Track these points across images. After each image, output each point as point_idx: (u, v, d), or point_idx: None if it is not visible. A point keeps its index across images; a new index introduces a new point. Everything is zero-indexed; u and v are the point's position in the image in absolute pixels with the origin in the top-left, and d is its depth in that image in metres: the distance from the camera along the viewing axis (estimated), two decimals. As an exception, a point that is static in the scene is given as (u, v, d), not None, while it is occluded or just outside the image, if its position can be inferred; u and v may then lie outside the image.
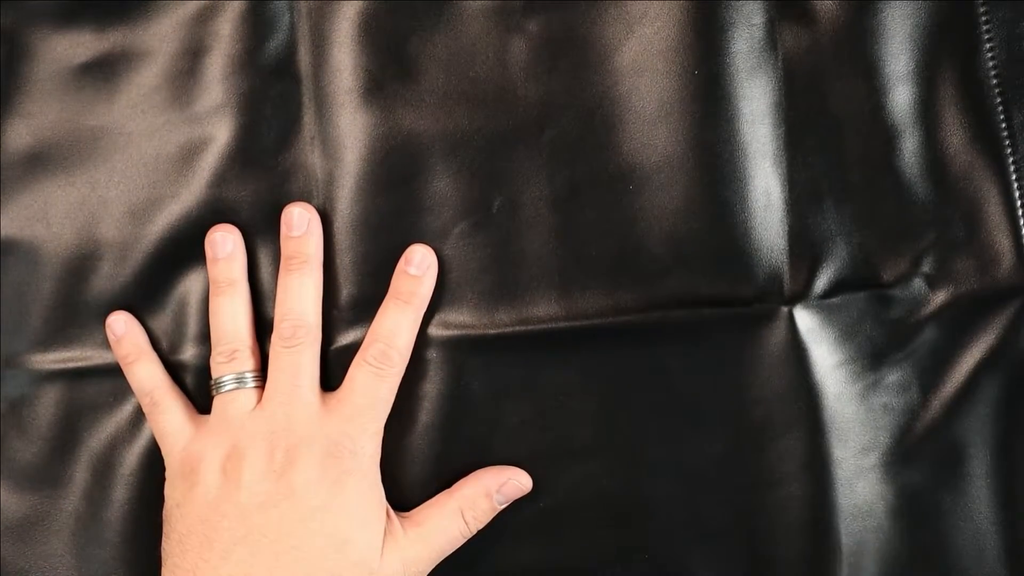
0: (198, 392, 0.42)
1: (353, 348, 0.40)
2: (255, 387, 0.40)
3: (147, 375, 0.41)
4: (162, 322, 0.42)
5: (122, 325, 0.41)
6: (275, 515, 0.37)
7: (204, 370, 0.42)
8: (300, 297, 0.40)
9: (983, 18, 0.40)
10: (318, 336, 0.40)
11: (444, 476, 0.41)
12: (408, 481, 0.41)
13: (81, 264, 0.43)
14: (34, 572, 0.42)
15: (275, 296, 0.40)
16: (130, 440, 0.42)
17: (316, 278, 0.40)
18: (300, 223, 0.40)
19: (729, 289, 0.40)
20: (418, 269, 0.40)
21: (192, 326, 0.42)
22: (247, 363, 0.40)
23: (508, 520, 0.40)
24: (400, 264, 0.40)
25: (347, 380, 0.40)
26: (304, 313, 0.40)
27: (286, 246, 0.40)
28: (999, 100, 0.40)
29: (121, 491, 0.42)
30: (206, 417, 0.40)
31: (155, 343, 0.42)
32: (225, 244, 0.41)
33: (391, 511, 0.39)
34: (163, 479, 0.40)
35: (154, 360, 0.41)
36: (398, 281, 0.40)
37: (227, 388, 0.40)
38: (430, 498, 0.40)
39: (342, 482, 0.38)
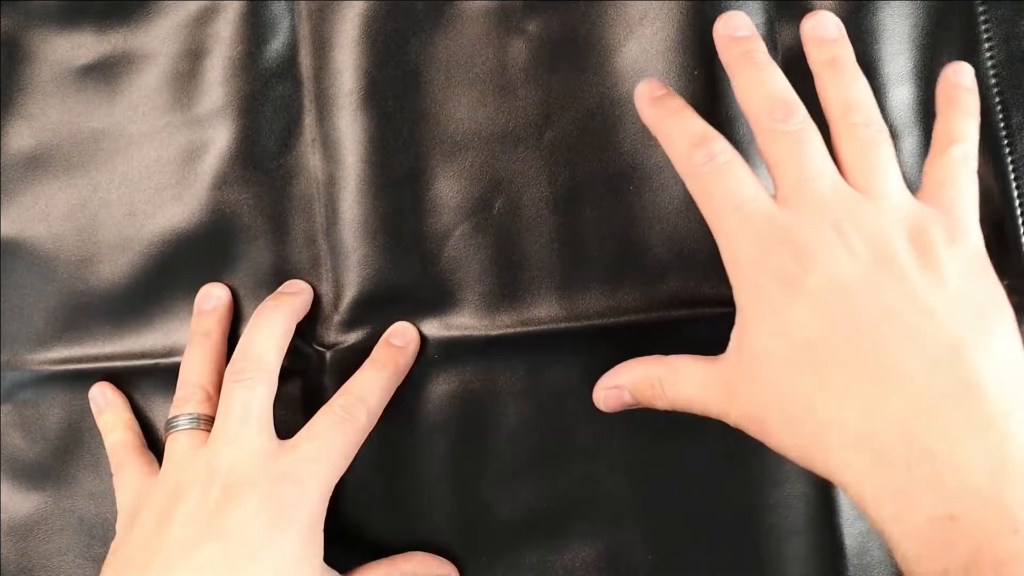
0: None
1: (353, 349, 0.41)
2: (206, 429, 0.38)
3: (121, 442, 0.41)
4: (161, 324, 0.42)
5: (104, 399, 0.42)
6: (202, 558, 0.34)
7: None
8: (264, 336, 0.38)
9: (982, 17, 0.40)
10: (272, 377, 0.38)
11: (445, 478, 0.41)
12: (409, 482, 0.41)
13: (82, 265, 0.43)
14: (36, 572, 0.42)
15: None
16: (132, 441, 0.42)
17: (286, 322, 0.39)
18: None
19: (728, 289, 0.40)
20: (401, 340, 0.40)
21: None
22: (203, 405, 0.38)
23: (509, 520, 0.41)
24: (383, 337, 0.40)
25: (307, 425, 0.38)
26: (263, 351, 0.38)
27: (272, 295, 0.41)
28: (998, 100, 0.40)
29: (124, 492, 0.42)
30: None
31: (153, 348, 0.42)
32: (209, 299, 0.41)
33: (327, 569, 0.37)
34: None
35: (130, 428, 0.41)
36: (378, 349, 0.40)
37: (178, 427, 0.38)
38: (431, 498, 0.41)
39: (280, 529, 0.34)
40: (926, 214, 0.32)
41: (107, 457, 0.41)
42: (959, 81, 0.36)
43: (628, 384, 0.36)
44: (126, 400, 0.42)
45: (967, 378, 0.29)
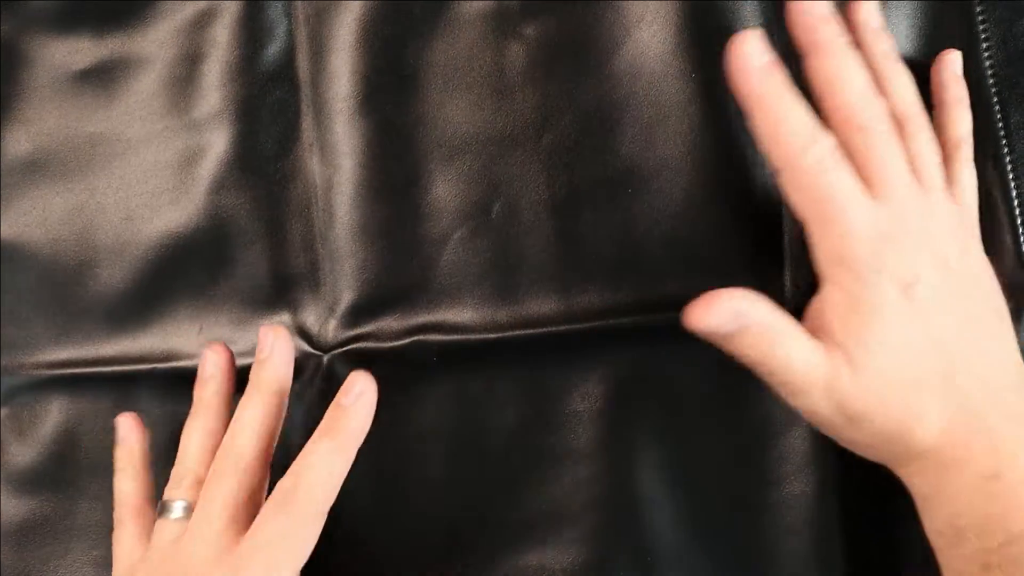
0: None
1: (351, 355, 0.41)
2: (188, 517, 0.37)
3: (127, 491, 0.40)
4: (159, 328, 0.42)
5: (126, 430, 0.40)
6: None
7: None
8: (247, 428, 0.37)
9: (980, 17, 0.40)
10: (253, 471, 0.37)
11: (444, 480, 0.41)
12: (407, 485, 0.41)
13: (80, 269, 0.43)
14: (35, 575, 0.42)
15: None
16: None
17: (269, 412, 0.38)
18: (265, 344, 0.38)
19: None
20: (349, 399, 0.37)
21: (188, 334, 0.42)
22: (191, 492, 0.37)
23: (509, 521, 0.41)
24: (337, 396, 0.37)
25: (255, 519, 0.36)
26: (242, 449, 0.37)
27: (254, 371, 0.38)
28: (996, 100, 0.40)
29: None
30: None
31: (151, 352, 0.42)
32: (206, 366, 0.39)
33: None
34: (162, 481, 0.41)
35: (138, 476, 0.40)
36: (328, 412, 0.37)
37: (167, 515, 0.37)
38: (430, 501, 0.41)
39: None
40: (958, 216, 0.35)
41: (106, 462, 0.41)
42: (956, 71, 0.38)
43: (756, 322, 0.33)
44: (144, 438, 0.41)
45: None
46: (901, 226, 0.33)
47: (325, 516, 0.35)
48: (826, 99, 0.34)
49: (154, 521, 0.38)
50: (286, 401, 0.38)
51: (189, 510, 0.37)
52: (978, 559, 0.32)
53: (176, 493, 0.37)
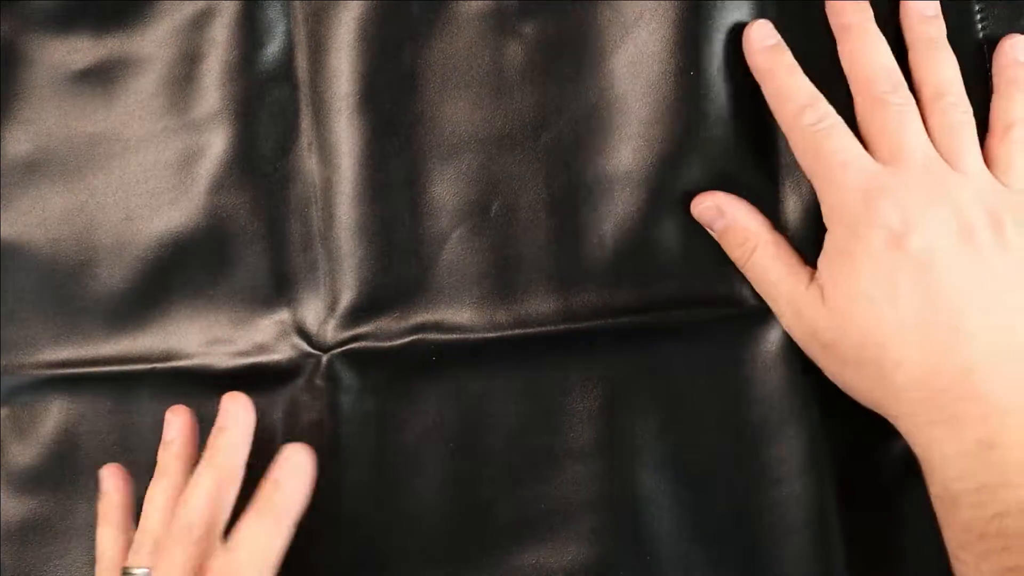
0: (202, 396, 0.42)
1: (350, 354, 0.41)
2: None
3: (110, 543, 0.40)
4: (158, 328, 0.42)
5: (107, 484, 0.41)
6: None
7: (200, 376, 0.42)
8: (199, 497, 0.37)
9: (979, 16, 0.40)
10: (202, 539, 0.36)
11: (443, 479, 0.41)
12: (406, 483, 0.41)
13: (80, 270, 0.43)
14: (35, 576, 0.42)
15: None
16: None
17: (223, 482, 0.38)
18: (227, 414, 0.39)
19: (727, 289, 0.40)
20: (280, 472, 0.38)
21: (188, 334, 0.42)
22: (151, 558, 0.37)
23: (507, 522, 0.41)
24: (267, 476, 0.38)
25: None
26: (196, 513, 0.37)
27: (212, 439, 0.39)
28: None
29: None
30: None
31: (150, 352, 0.42)
32: (168, 428, 0.40)
33: None
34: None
35: (117, 527, 0.40)
36: (258, 490, 0.38)
37: None
38: (429, 500, 0.41)
39: None
40: (1001, 194, 0.35)
41: (105, 462, 0.41)
42: (1015, 56, 0.38)
43: (731, 216, 0.38)
44: (129, 492, 0.41)
45: None
46: (906, 185, 0.35)
47: None
48: (849, 76, 0.37)
49: None
50: (241, 471, 0.38)
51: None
52: (975, 528, 0.33)
53: (136, 559, 0.38)
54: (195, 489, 0.37)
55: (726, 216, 0.38)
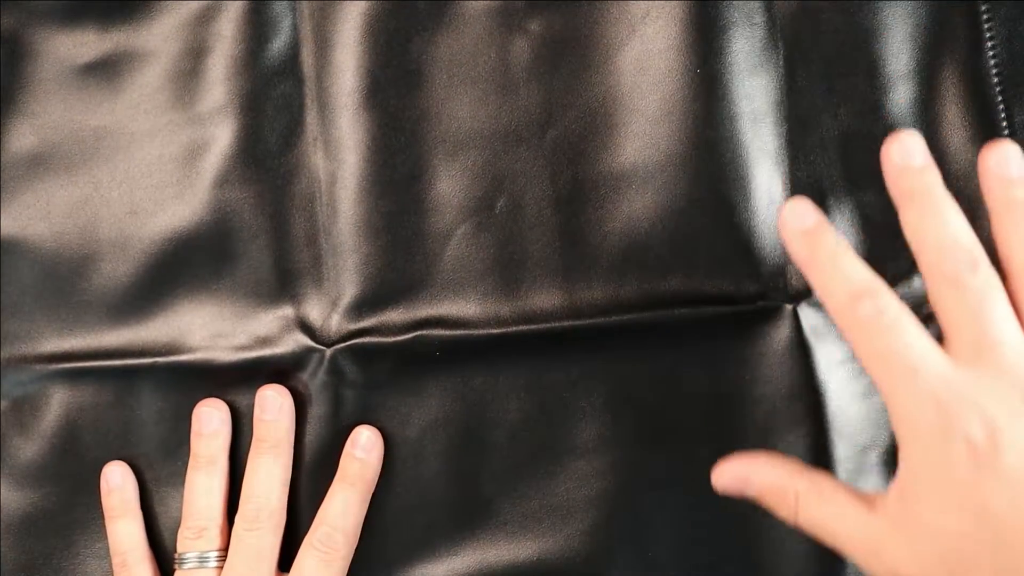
0: (205, 391, 0.42)
1: (354, 349, 0.41)
2: (216, 567, 0.39)
3: (126, 535, 0.41)
4: (162, 322, 0.42)
5: (117, 478, 0.41)
6: None
7: (203, 370, 0.42)
8: (267, 481, 0.40)
9: (984, 16, 0.40)
10: (281, 521, 0.40)
11: (446, 474, 0.41)
12: (411, 481, 0.41)
13: (83, 263, 0.43)
14: (35, 570, 0.42)
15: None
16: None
17: (284, 463, 0.40)
18: (272, 407, 0.40)
19: (733, 287, 0.40)
20: (364, 451, 0.40)
21: (191, 328, 0.42)
22: (213, 542, 0.39)
23: (510, 516, 0.41)
24: (347, 446, 0.40)
25: (295, 566, 0.39)
26: (269, 497, 0.39)
27: (258, 428, 0.40)
28: (1000, 99, 0.40)
29: (124, 490, 0.42)
30: None
31: (153, 345, 0.42)
32: (211, 420, 0.41)
33: None
34: (163, 474, 0.41)
35: (136, 520, 0.41)
36: (345, 462, 0.40)
37: (188, 565, 0.39)
38: (432, 494, 0.41)
39: None
40: None
41: (106, 456, 0.42)
42: (1008, 174, 0.32)
43: (759, 483, 0.33)
44: (136, 485, 0.42)
45: None
46: (991, 389, 0.29)
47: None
48: (916, 252, 0.31)
49: (157, 565, 0.41)
50: (291, 451, 0.41)
51: (216, 558, 0.39)
52: None
53: (197, 544, 0.39)
54: (267, 471, 0.40)
55: (753, 482, 0.34)
